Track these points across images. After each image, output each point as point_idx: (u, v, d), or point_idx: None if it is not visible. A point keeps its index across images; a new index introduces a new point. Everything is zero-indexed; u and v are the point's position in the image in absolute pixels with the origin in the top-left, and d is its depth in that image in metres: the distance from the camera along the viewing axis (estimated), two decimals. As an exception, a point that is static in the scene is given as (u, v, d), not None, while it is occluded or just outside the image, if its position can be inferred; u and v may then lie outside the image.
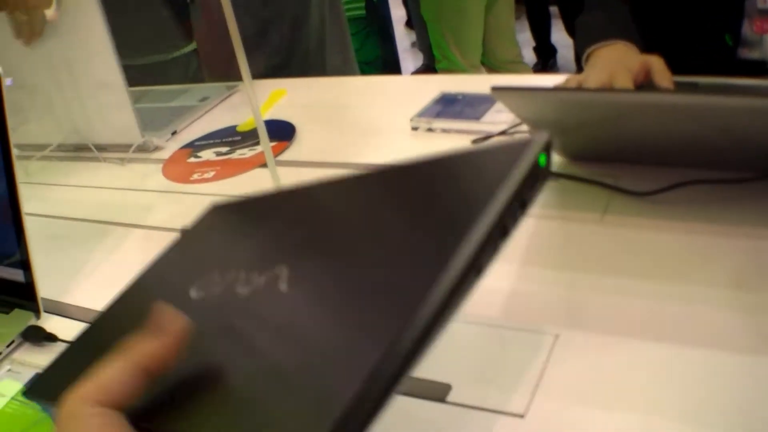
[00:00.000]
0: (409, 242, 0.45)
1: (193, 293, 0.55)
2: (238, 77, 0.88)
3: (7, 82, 0.91)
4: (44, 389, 0.56)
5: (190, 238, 0.66)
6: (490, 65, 3.48)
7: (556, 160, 0.97)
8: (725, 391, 0.60)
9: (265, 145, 0.88)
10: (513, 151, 0.43)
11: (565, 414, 0.61)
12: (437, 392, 0.66)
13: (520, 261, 0.81)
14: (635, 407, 0.60)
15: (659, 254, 0.78)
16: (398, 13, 4.27)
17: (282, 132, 1.25)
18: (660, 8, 1.20)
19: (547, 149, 0.42)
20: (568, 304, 0.74)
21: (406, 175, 0.53)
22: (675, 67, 1.00)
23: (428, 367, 0.68)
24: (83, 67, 1.27)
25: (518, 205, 0.40)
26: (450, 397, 0.65)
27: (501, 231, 0.40)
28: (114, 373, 0.43)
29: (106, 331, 0.59)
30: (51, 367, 0.57)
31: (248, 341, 0.48)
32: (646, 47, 1.08)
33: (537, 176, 0.41)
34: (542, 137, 0.42)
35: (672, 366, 0.64)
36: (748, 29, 1.15)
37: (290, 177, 1.03)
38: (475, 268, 0.39)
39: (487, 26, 3.35)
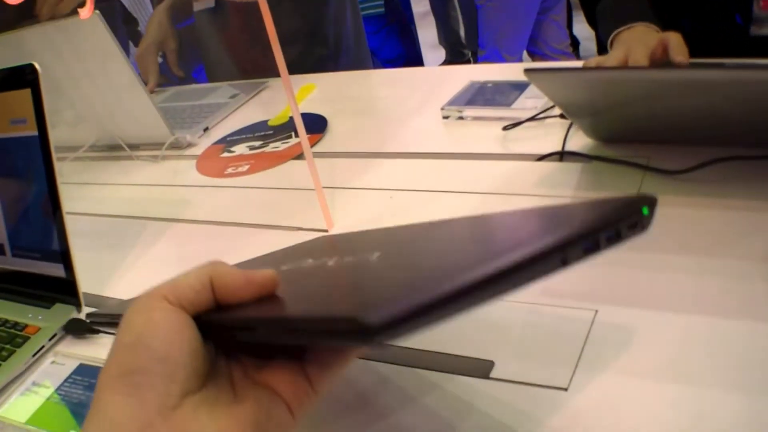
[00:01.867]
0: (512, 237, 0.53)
1: (284, 267, 0.59)
2: (269, 74, 0.89)
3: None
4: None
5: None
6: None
7: (589, 143, 0.98)
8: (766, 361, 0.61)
9: (302, 134, 0.89)
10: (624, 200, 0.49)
11: (607, 386, 0.61)
12: (481, 369, 0.66)
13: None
14: (675, 379, 0.61)
15: (695, 230, 0.78)
16: (418, 10, 4.25)
17: (314, 125, 1.25)
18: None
19: (652, 206, 0.47)
20: (605, 281, 0.74)
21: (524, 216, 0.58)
22: (689, 49, 1.00)
23: (471, 345, 0.69)
24: (101, 74, 1.29)
25: (613, 232, 0.44)
26: (493, 374, 0.66)
27: (593, 243, 0.44)
28: (187, 280, 0.48)
29: None
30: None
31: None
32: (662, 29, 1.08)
33: (638, 220, 0.46)
34: (651, 196, 0.47)
35: (711, 339, 0.64)
36: (757, 7, 1.15)
37: (325, 168, 1.04)
38: (561, 256, 0.42)
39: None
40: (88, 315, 0.78)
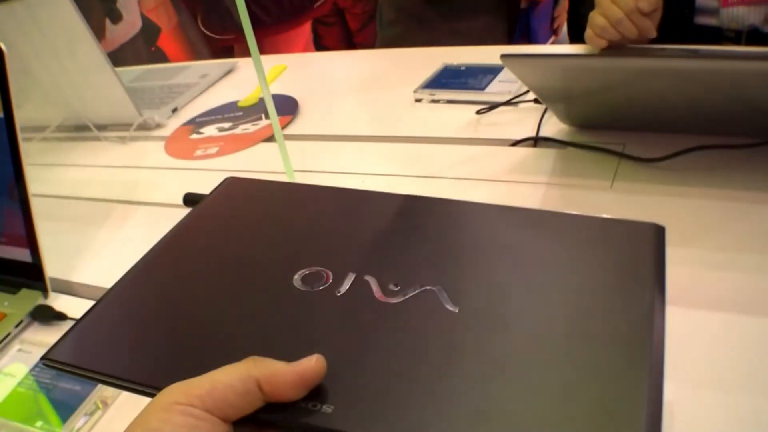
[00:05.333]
0: (601, 293, 0.51)
1: (304, 285, 0.55)
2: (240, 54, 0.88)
3: None
4: (67, 354, 0.53)
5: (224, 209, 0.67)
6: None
7: (564, 128, 0.97)
8: (744, 351, 0.61)
9: (273, 117, 0.88)
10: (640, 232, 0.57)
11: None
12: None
13: (532, 229, 0.81)
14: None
15: (669, 219, 0.77)
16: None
17: (285, 106, 1.24)
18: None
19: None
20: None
21: (540, 221, 0.59)
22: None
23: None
24: (68, 53, 1.26)
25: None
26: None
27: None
28: (232, 381, 0.41)
29: (140, 292, 0.58)
30: (76, 330, 0.55)
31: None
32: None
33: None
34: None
35: (681, 329, 0.64)
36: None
37: (295, 151, 1.03)
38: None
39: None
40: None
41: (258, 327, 0.51)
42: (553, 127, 0.98)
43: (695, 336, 0.64)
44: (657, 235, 0.57)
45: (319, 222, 0.63)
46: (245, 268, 0.58)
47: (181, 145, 1.22)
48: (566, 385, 0.44)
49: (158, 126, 1.32)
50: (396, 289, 0.53)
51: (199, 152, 1.17)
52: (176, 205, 1.03)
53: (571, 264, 0.54)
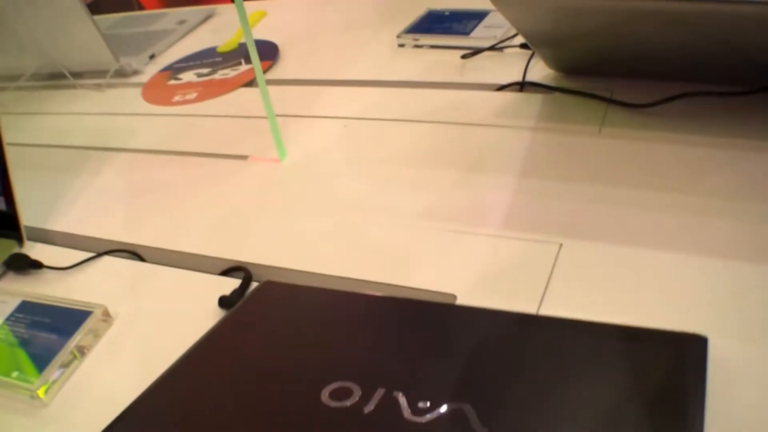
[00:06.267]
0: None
1: (332, 400, 0.55)
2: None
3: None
4: None
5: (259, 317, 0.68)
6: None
7: (550, 74, 0.96)
8: (728, 296, 0.61)
9: (255, 59, 0.85)
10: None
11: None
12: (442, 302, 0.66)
13: (519, 173, 0.80)
14: (637, 312, 0.61)
15: (658, 165, 0.77)
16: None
17: (265, 52, 1.22)
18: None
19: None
20: (569, 214, 0.73)
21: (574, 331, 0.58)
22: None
23: (433, 278, 0.68)
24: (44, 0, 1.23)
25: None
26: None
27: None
28: None
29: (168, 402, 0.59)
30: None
31: None
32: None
33: None
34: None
35: (668, 274, 0.64)
36: None
37: (276, 95, 1.01)
38: None
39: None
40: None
41: None
42: (540, 72, 0.97)
43: (681, 280, 0.63)
44: (699, 349, 0.54)
45: (351, 331, 0.63)
46: (275, 380, 0.58)
47: (158, 92, 1.19)
48: None
49: (135, 73, 1.30)
50: (425, 406, 0.52)
51: (177, 98, 1.15)
52: (154, 151, 1.01)
53: (604, 382, 0.53)
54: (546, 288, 0.64)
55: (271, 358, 0.61)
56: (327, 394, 0.54)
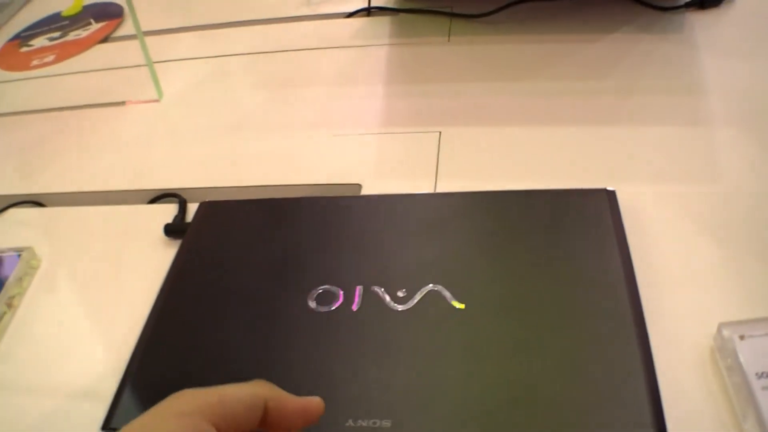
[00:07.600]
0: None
1: (319, 305, 0.58)
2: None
3: None
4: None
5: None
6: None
7: (395, -3, 1.05)
8: (587, 152, 0.73)
9: (132, 12, 0.90)
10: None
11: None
12: (350, 192, 0.74)
13: (384, 81, 0.90)
14: (524, 179, 0.72)
15: (507, 61, 0.89)
16: None
17: (109, 12, 1.25)
18: None
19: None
20: (439, 108, 0.83)
21: (505, 201, 0.64)
22: None
23: (337, 172, 0.77)
24: None
25: None
26: (363, 193, 0.74)
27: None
28: (242, 396, 0.39)
29: (167, 338, 0.60)
30: (126, 393, 0.57)
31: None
32: None
33: None
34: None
35: (523, 144, 0.75)
36: None
37: (130, 49, 1.05)
38: None
39: None
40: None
41: (285, 355, 0.55)
42: (383, -2, 1.06)
43: (547, 147, 0.75)
44: (612, 199, 0.62)
45: (307, 237, 0.65)
46: (257, 296, 0.60)
47: (13, 59, 1.20)
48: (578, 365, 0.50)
49: (-20, 47, 1.29)
50: (404, 294, 0.57)
51: (35, 62, 1.17)
52: (24, 112, 1.04)
53: (545, 239, 0.59)
54: (437, 169, 0.74)
55: (245, 275, 0.62)
56: (313, 300, 0.58)
